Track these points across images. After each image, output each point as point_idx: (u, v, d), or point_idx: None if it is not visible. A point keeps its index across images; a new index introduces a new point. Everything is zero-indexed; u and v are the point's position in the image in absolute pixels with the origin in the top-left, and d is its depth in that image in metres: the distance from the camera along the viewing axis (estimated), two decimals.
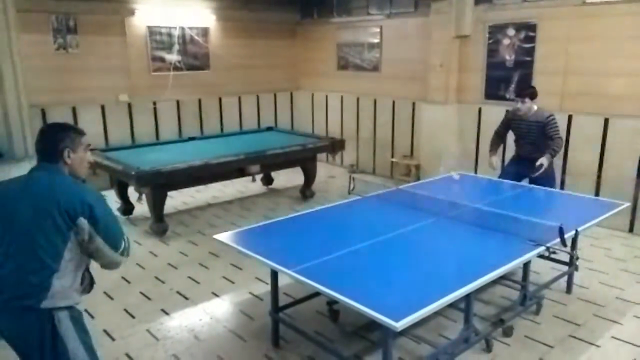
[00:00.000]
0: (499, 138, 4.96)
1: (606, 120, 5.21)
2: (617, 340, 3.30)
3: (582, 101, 5.36)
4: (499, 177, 4.97)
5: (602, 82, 5.18)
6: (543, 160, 4.36)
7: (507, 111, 4.89)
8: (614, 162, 5.22)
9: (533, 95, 4.61)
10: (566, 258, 3.74)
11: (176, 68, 7.30)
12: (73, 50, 6.40)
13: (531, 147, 4.63)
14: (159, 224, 5.15)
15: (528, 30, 5.71)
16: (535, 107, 4.59)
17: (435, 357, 2.89)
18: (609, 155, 5.26)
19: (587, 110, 5.32)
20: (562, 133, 5.41)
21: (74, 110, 6.57)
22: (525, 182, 4.73)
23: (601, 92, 5.20)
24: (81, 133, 2.17)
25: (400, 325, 2.13)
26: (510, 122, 4.81)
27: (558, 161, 5.25)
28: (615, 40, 5.03)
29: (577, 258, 3.75)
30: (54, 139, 2.09)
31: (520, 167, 4.76)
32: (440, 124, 6.58)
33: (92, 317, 3.62)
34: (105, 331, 3.41)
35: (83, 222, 1.98)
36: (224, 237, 3.29)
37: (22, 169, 3.18)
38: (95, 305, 3.76)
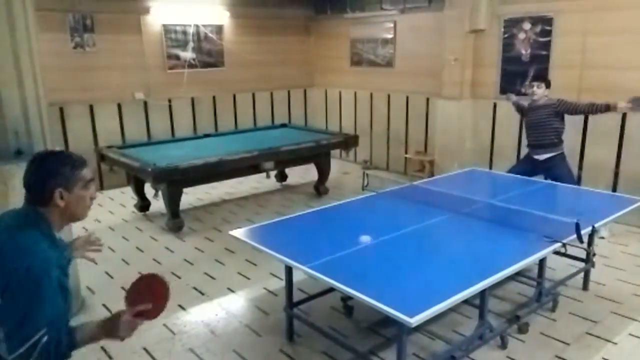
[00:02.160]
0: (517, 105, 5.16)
1: (624, 115, 5.13)
2: (635, 337, 3.27)
3: (600, 95, 5.25)
4: (509, 170, 5.02)
5: (620, 75, 5.09)
6: (621, 106, 4.45)
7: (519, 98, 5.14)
8: (632, 157, 5.14)
9: (549, 84, 4.72)
10: (583, 254, 3.70)
11: (191, 65, 7.35)
12: (90, 49, 6.49)
13: (545, 134, 4.71)
14: (175, 220, 5.21)
15: (544, 23, 5.63)
16: (546, 97, 4.72)
17: (449, 354, 2.89)
18: (626, 151, 5.18)
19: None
20: (579, 128, 5.38)
21: (91, 108, 6.67)
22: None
23: (619, 86, 5.11)
24: (79, 166, 1.73)
25: (414, 321, 2.13)
26: (523, 110, 4.98)
27: (573, 160, 5.21)
28: (633, 33, 4.95)
29: (594, 254, 3.71)
30: (43, 176, 1.67)
31: (533, 168, 4.82)
32: (454, 119, 6.54)
33: (110, 311, 3.68)
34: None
35: None
36: (240, 233, 3.32)
37: None
38: (113, 300, 3.83)
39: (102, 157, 5.67)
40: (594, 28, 5.24)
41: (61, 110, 6.40)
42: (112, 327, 1.64)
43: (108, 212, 5.99)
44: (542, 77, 4.85)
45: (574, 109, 4.63)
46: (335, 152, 6.73)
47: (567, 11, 5.42)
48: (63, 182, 1.68)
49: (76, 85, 6.45)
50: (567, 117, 4.74)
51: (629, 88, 5.04)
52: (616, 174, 5.27)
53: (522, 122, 5.07)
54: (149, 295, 1.70)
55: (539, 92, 4.66)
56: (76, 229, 3.52)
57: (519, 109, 5.08)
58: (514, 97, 5.18)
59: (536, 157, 4.79)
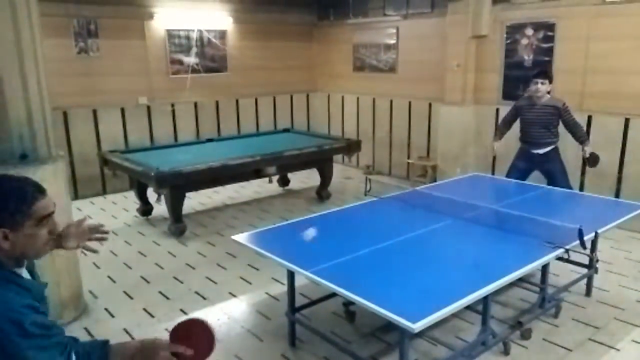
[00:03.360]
0: (505, 126, 5.11)
1: (627, 120, 5.13)
2: (638, 343, 3.25)
3: (603, 101, 5.28)
4: (508, 171, 5.09)
5: (623, 81, 5.09)
6: (587, 150, 4.67)
7: (517, 101, 5.08)
8: (635, 163, 5.14)
9: (552, 79, 4.77)
10: (585, 260, 3.69)
11: (194, 70, 7.38)
12: (94, 54, 6.52)
13: (542, 132, 4.77)
14: (178, 224, 5.21)
15: (546, 29, 5.64)
16: (549, 95, 4.74)
17: None
18: (629, 156, 5.18)
19: (608, 110, 5.24)
20: None
21: (94, 112, 6.70)
22: (532, 177, 4.87)
23: (622, 92, 5.12)
24: (30, 200, 1.44)
25: (417, 327, 2.13)
26: (519, 110, 4.94)
27: (575, 165, 5.20)
28: (636, 39, 4.95)
29: (597, 260, 3.70)
30: None
31: (529, 162, 4.91)
32: (457, 124, 6.55)
33: (112, 316, 3.69)
34: (125, 330, 3.47)
35: None
36: (242, 237, 3.32)
37: (45, 171, 3.27)
38: (115, 305, 3.84)
39: (105, 162, 5.68)
40: (596, 34, 5.25)
41: (65, 114, 6.43)
42: (149, 355, 1.55)
43: (111, 216, 6.01)
44: (545, 72, 4.84)
45: (572, 125, 4.72)
46: (337, 157, 6.73)
47: (570, 17, 5.43)
48: (7, 220, 1.40)
49: (80, 90, 6.48)
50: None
51: (632, 93, 5.05)
52: (619, 180, 5.26)
53: (511, 119, 5.05)
54: (195, 342, 1.60)
55: (543, 88, 4.69)
56: None
57: (513, 116, 5.03)
58: (497, 144, 5.13)
59: (534, 151, 4.85)
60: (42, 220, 1.47)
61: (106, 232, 1.82)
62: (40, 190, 1.49)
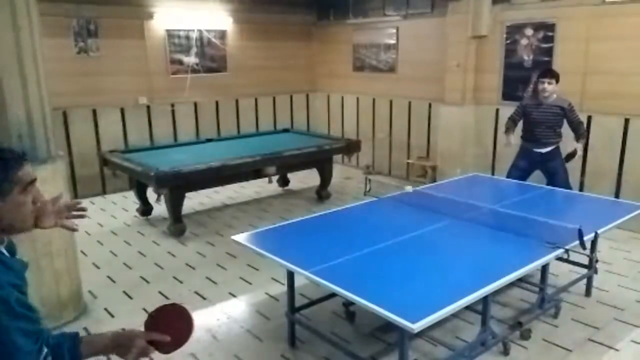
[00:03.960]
0: (514, 123, 5.07)
1: (627, 121, 5.13)
2: (637, 344, 3.25)
3: (602, 101, 5.28)
4: (509, 171, 5.10)
5: (623, 81, 5.09)
6: (579, 147, 4.71)
7: (522, 100, 5.13)
8: (635, 163, 5.14)
9: (559, 78, 4.75)
10: (585, 261, 3.69)
11: (194, 70, 7.38)
12: (94, 54, 6.52)
13: (548, 132, 4.79)
14: (177, 224, 5.21)
15: (546, 30, 5.64)
16: (555, 95, 4.74)
17: None
18: (629, 156, 5.18)
19: (607, 110, 5.24)
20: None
21: (94, 112, 6.69)
22: (532, 177, 4.89)
23: (622, 92, 5.12)
24: (15, 165, 1.41)
25: (416, 327, 2.13)
26: (525, 109, 4.93)
27: (576, 164, 5.20)
28: (636, 39, 4.95)
29: (597, 261, 3.70)
30: None
31: (531, 161, 4.93)
32: (456, 125, 6.55)
33: (112, 316, 3.69)
34: (124, 330, 3.46)
35: None
36: (242, 238, 3.32)
37: (45, 171, 3.27)
38: (115, 305, 3.84)
39: (104, 162, 5.68)
40: (596, 34, 5.25)
41: (64, 114, 6.43)
42: (125, 344, 1.53)
43: (110, 216, 6.00)
44: (552, 72, 4.81)
45: (576, 124, 4.76)
46: (337, 157, 6.73)
47: (570, 17, 5.43)
48: None
49: (80, 90, 6.48)
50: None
51: (632, 93, 5.05)
52: (619, 180, 5.26)
53: (517, 118, 5.04)
54: (171, 329, 1.57)
55: (550, 87, 4.69)
56: (78, 233, 3.52)
57: (520, 115, 5.02)
58: (512, 137, 5.05)
59: (537, 150, 4.85)
60: (27, 186, 1.43)
61: (84, 210, 1.71)
62: (21, 157, 1.45)
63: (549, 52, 5.64)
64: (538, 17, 5.71)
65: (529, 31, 5.81)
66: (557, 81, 4.73)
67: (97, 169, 6.53)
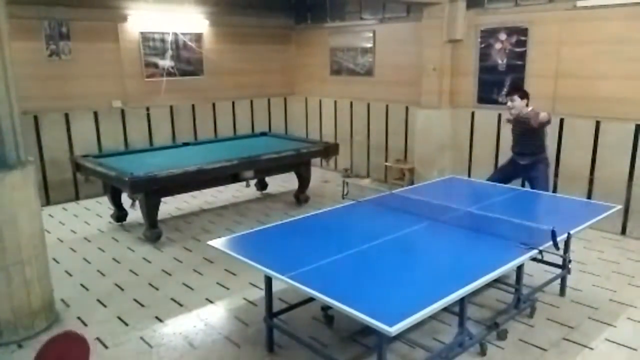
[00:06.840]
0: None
1: (597, 123, 5.25)
2: (611, 342, 3.32)
3: (574, 104, 5.40)
4: (493, 172, 5.18)
5: (594, 85, 5.21)
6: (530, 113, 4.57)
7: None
8: (606, 164, 5.26)
9: (523, 95, 4.72)
10: (559, 261, 3.75)
11: (169, 74, 7.29)
12: (66, 57, 6.39)
13: (524, 143, 4.79)
14: (153, 230, 5.13)
15: (519, 34, 5.75)
16: (529, 108, 4.69)
17: None
18: (600, 158, 5.29)
19: (579, 113, 5.35)
20: (555, 136, 5.48)
21: (66, 116, 6.55)
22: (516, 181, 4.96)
23: (592, 95, 5.24)
24: None
25: (394, 330, 2.12)
26: (513, 121, 4.94)
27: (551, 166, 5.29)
28: (606, 43, 5.07)
29: (570, 261, 3.77)
30: None
31: (515, 168, 4.92)
32: (433, 128, 6.61)
33: (85, 324, 3.60)
34: (98, 339, 3.39)
35: None
36: (218, 243, 3.28)
37: (14, 177, 3.18)
38: (88, 313, 3.75)
39: (77, 167, 5.56)
40: (567, 39, 5.36)
41: (36, 118, 6.28)
42: None
43: (84, 222, 5.87)
44: (516, 89, 4.84)
45: (539, 125, 4.59)
46: (315, 161, 6.73)
47: (542, 22, 5.54)
48: None
49: (51, 94, 6.34)
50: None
51: (601, 97, 5.17)
52: (591, 181, 5.38)
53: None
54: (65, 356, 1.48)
55: (516, 104, 4.69)
56: (50, 240, 3.43)
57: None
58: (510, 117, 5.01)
59: (520, 161, 4.88)
60: None
61: None
62: None
63: (522, 56, 5.75)
64: (511, 21, 5.81)
65: (502, 35, 5.91)
66: (523, 97, 4.68)
67: (69, 174, 6.40)
